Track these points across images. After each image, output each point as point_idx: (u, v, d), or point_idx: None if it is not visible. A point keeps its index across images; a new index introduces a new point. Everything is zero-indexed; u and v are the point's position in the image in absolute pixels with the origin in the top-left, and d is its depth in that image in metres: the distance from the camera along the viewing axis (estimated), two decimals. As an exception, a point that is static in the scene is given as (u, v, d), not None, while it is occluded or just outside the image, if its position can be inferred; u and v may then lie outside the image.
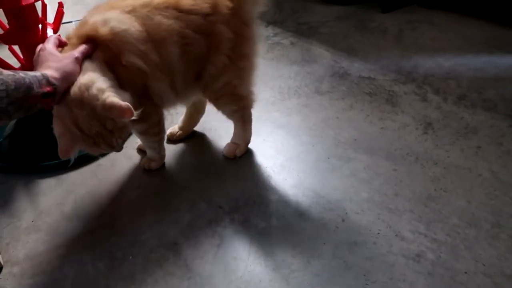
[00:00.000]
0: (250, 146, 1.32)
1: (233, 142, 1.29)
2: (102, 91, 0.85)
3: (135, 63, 0.95)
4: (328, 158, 1.28)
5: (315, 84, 1.66)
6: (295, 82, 1.68)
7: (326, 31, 2.11)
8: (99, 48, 0.93)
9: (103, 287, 0.92)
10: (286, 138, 1.37)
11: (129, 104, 0.83)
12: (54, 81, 0.82)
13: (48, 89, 0.81)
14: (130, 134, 0.99)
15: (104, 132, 0.89)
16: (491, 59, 1.81)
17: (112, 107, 0.83)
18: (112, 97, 0.84)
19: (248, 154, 1.30)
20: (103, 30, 0.92)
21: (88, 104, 0.85)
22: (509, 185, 1.16)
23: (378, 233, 1.04)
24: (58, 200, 1.15)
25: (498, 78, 1.67)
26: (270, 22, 2.21)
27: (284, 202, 1.13)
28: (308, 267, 0.96)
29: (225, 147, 1.29)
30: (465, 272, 0.93)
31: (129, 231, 1.05)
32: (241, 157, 1.29)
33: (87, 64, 0.90)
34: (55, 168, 1.24)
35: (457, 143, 1.33)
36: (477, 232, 1.03)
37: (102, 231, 1.05)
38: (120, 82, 0.94)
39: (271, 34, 2.10)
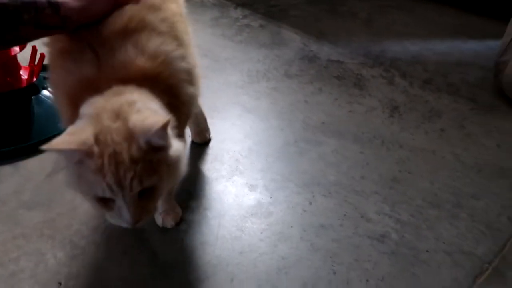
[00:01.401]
0: (218, 129, 1.30)
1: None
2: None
3: None
4: (297, 141, 1.28)
5: (284, 67, 1.65)
6: (264, 65, 1.66)
7: (297, 14, 2.09)
8: None
9: (65, 277, 0.89)
10: (254, 122, 1.36)
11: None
12: (66, 11, 0.68)
13: (52, 20, 0.67)
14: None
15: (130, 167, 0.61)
16: (456, 44, 1.85)
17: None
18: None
19: (216, 138, 1.28)
20: None
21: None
22: (470, 167, 1.20)
23: (345, 215, 1.05)
24: (15, 188, 1.09)
25: (462, 62, 1.71)
26: (239, 4, 2.17)
27: (251, 186, 1.12)
28: (276, 250, 0.96)
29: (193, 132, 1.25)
30: (427, 251, 0.96)
31: (91, 219, 1.01)
32: (210, 141, 1.27)
33: None
34: (12, 155, 1.18)
35: (422, 126, 1.35)
36: (439, 212, 1.06)
37: (63, 219, 1.01)
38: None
39: (240, 16, 2.06)
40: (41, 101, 1.29)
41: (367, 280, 0.91)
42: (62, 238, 0.97)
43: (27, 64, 1.32)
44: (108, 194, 0.62)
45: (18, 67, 1.29)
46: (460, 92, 1.52)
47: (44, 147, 0.59)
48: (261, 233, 1.00)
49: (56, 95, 0.80)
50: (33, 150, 1.19)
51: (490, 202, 1.09)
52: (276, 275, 0.91)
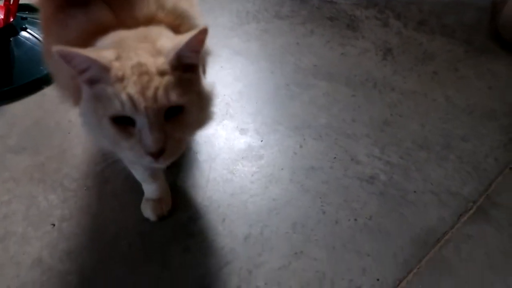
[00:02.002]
0: (208, 72, 1.26)
1: None
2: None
3: None
4: (288, 84, 1.26)
5: (275, 8, 1.58)
6: (254, 6, 1.58)
7: (288, -50, 1.97)
8: None
9: (58, 219, 0.90)
10: (244, 65, 1.32)
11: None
12: None
13: None
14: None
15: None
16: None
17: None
18: None
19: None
20: None
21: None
22: (461, 109, 1.20)
23: (335, 158, 1.05)
24: (1, 132, 1.07)
25: (458, 3, 1.65)
26: None
27: (242, 130, 1.11)
28: (266, 192, 0.97)
29: None
30: (414, 192, 0.98)
31: (81, 163, 1.01)
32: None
33: None
34: (-5, 99, 1.14)
35: (414, 69, 1.33)
36: (428, 154, 1.07)
37: (52, 163, 1.00)
38: None
39: (229, -48, 1.93)
40: (21, 43, 1.23)
41: (355, 220, 0.93)
42: (52, 182, 0.96)
43: (2, 3, 1.24)
44: (128, 109, 0.53)
45: (-8, 6, 1.22)
46: (454, 34, 1.48)
47: (56, 48, 0.51)
48: (252, 175, 1.01)
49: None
50: (16, 94, 1.16)
51: (478, 144, 1.10)
52: (266, 215, 0.93)
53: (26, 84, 1.16)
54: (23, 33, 1.25)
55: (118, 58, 0.54)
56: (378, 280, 0.84)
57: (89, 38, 0.62)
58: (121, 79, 0.53)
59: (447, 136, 1.11)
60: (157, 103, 0.53)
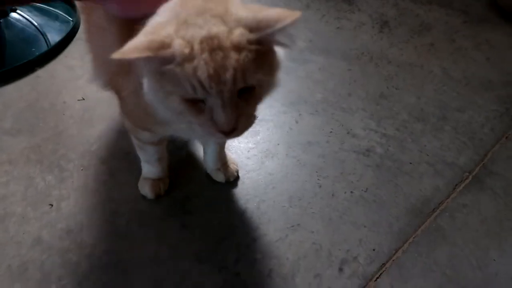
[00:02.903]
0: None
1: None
2: None
3: None
4: (283, 60, 1.24)
5: (269, -17, 1.55)
6: (248, -19, 1.55)
7: None
8: None
9: (56, 199, 0.91)
10: (239, 42, 1.30)
11: None
12: None
13: None
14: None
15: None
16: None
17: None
18: None
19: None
20: None
21: None
22: (457, 81, 1.19)
23: (331, 132, 1.05)
24: (-4, 115, 1.07)
25: (456, -28, 1.62)
26: None
27: (238, 106, 1.11)
28: (263, 167, 0.98)
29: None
30: (410, 163, 0.98)
31: (77, 143, 1.01)
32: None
33: None
34: (-13, 82, 1.14)
35: (411, 41, 1.32)
36: (424, 125, 1.06)
37: (48, 144, 1.01)
38: None
39: None
40: (11, 25, 1.22)
41: (352, 192, 0.94)
42: (49, 163, 0.97)
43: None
44: (200, 93, 0.47)
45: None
46: (452, 4, 1.46)
47: (115, 55, 0.44)
48: (248, 151, 1.01)
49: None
50: (9, 77, 1.15)
51: (474, 114, 1.10)
52: (263, 190, 0.93)
53: (19, 67, 1.15)
54: (13, 15, 1.24)
55: (179, 29, 0.46)
56: (374, 250, 0.85)
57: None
58: (189, 58, 0.45)
59: (443, 107, 1.11)
60: (233, 85, 0.47)
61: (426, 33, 1.34)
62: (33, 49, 1.16)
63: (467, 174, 0.97)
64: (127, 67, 0.60)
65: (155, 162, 0.86)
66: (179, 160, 0.99)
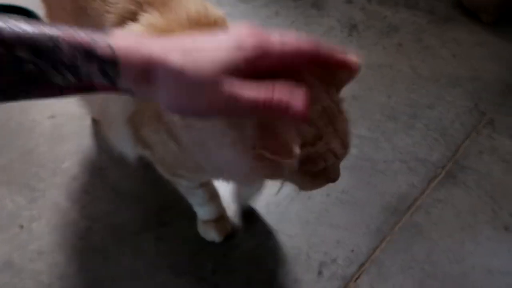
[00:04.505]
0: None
1: None
2: None
3: None
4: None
5: (238, -8, 1.56)
6: (217, -9, 1.56)
7: None
8: None
9: (26, 220, 0.88)
10: (210, 51, 1.30)
11: None
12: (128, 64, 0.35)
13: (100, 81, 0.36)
14: None
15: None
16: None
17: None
18: None
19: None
20: None
21: None
22: (426, 79, 1.21)
23: (305, 136, 1.06)
24: (-38, 138, 1.04)
25: (420, -26, 1.66)
26: None
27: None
28: (238, 174, 0.97)
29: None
30: (384, 161, 0.99)
31: (47, 161, 0.98)
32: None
33: None
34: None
35: (380, 42, 1.34)
36: (396, 124, 1.08)
37: (17, 164, 0.98)
38: None
39: None
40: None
41: (328, 194, 0.94)
42: (18, 183, 0.94)
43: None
44: (331, 161, 0.47)
45: None
46: (418, 5, 1.49)
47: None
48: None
49: None
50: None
51: (444, 111, 1.12)
52: (239, 197, 0.93)
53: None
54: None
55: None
56: (352, 251, 0.85)
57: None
58: (318, 136, 0.45)
59: (413, 105, 1.13)
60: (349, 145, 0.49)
61: (394, 34, 1.36)
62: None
63: (440, 169, 0.98)
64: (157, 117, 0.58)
65: (209, 203, 0.80)
66: (154, 169, 0.97)
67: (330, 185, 0.93)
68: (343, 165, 0.95)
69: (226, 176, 0.60)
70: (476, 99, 1.16)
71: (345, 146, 0.48)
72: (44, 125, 1.06)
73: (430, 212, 0.91)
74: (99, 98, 0.68)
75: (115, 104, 0.64)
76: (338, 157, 0.48)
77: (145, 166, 0.98)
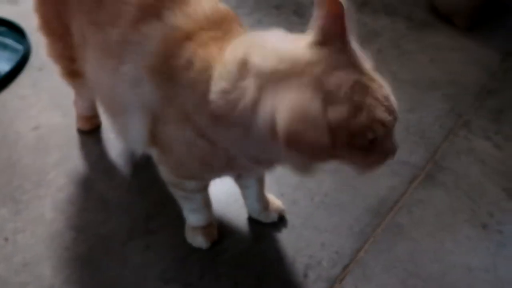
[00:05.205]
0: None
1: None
2: None
3: None
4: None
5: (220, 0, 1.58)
6: None
7: None
8: None
9: (11, 232, 0.88)
10: (194, 60, 1.32)
11: None
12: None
13: None
14: None
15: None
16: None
17: None
18: None
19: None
20: None
21: None
22: (406, 82, 1.25)
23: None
24: None
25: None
26: None
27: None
28: (223, 181, 0.98)
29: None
30: (366, 165, 1.02)
31: (32, 173, 0.98)
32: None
33: None
34: None
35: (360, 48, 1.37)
36: (377, 128, 1.10)
37: (1, 177, 0.98)
38: None
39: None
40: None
41: (312, 199, 0.96)
42: (2, 196, 0.94)
43: None
44: (380, 130, 0.49)
45: None
46: (396, 11, 1.53)
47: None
48: (209, 167, 1.01)
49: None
50: (-43, 110, 1.11)
51: (424, 114, 1.15)
52: (225, 203, 0.94)
53: (-33, 99, 1.12)
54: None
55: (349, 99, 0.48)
56: (337, 252, 0.86)
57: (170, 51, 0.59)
58: (358, 107, 0.48)
59: (393, 109, 1.16)
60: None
61: (374, 40, 1.40)
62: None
63: (420, 171, 1.01)
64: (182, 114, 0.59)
65: (203, 209, 0.81)
66: (139, 178, 0.98)
67: (314, 189, 0.96)
68: (326, 169, 0.98)
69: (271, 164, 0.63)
70: (453, 101, 1.19)
71: (391, 112, 0.49)
72: (28, 137, 1.06)
73: (411, 212, 0.94)
74: (109, 82, 0.67)
75: (132, 92, 0.63)
76: (387, 125, 0.49)
77: (132, 175, 0.99)
